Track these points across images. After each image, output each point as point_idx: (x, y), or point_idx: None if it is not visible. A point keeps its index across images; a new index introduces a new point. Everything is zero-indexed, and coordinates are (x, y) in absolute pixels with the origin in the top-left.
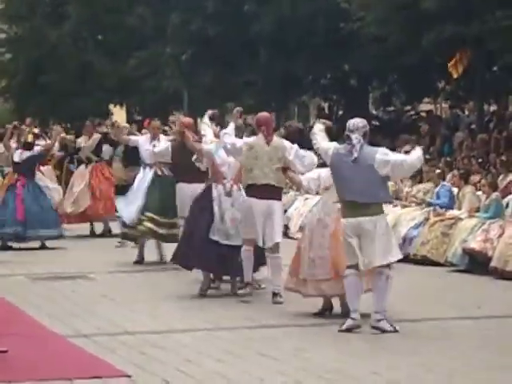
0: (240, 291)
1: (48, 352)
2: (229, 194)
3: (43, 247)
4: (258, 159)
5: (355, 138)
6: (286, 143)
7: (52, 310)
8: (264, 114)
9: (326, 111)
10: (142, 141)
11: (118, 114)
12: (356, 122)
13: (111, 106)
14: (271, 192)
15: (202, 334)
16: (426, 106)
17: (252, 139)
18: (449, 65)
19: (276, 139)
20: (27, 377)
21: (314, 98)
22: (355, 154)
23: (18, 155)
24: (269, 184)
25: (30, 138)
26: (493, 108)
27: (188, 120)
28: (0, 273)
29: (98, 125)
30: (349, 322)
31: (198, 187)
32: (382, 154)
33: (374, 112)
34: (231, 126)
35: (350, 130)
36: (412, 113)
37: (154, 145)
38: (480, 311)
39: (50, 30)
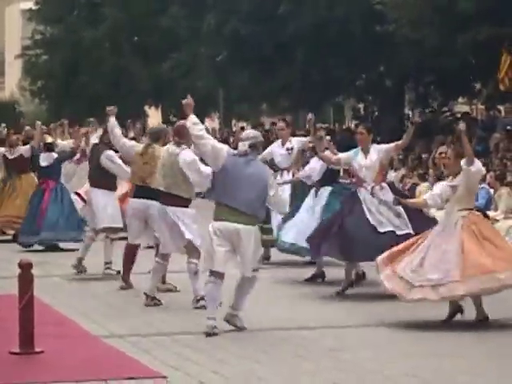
0: None
1: (83, 353)
2: (373, 194)
3: (57, 248)
4: None
5: (242, 145)
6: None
7: (87, 311)
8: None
9: (362, 112)
10: (276, 147)
11: (154, 116)
12: (246, 133)
13: (146, 108)
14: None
15: (237, 334)
16: (461, 107)
17: None
18: (499, 76)
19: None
20: (62, 377)
21: (349, 99)
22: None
23: (45, 158)
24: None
25: (48, 139)
26: None
27: None
28: (36, 274)
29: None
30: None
31: None
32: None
33: (409, 113)
34: None
35: (242, 140)
36: (448, 114)
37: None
38: None
39: (86, 32)
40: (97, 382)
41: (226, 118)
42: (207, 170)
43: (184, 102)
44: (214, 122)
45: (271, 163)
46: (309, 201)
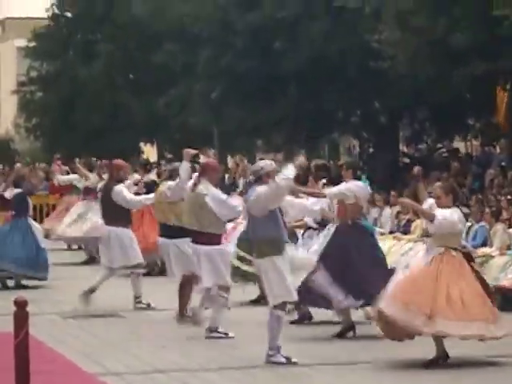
0: None
1: None
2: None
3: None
4: None
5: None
6: None
7: (83, 348)
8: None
9: (357, 149)
10: None
11: (149, 152)
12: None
13: (142, 144)
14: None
15: (234, 372)
16: (456, 143)
17: None
18: (499, 118)
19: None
20: None
21: (344, 135)
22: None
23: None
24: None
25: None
26: None
27: None
28: (31, 311)
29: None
30: None
31: None
32: None
33: (404, 149)
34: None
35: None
36: (443, 150)
37: None
38: None
39: (81, 68)
40: None
41: (221, 154)
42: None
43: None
44: (209, 159)
45: None
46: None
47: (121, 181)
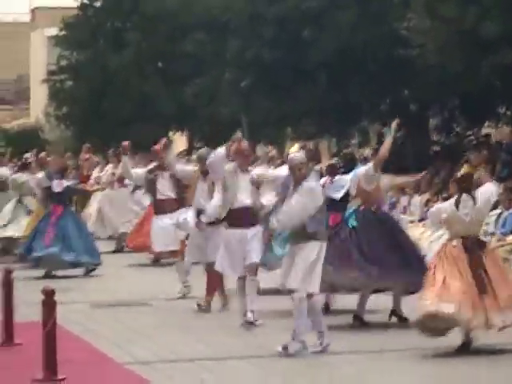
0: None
1: (106, 379)
2: None
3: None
4: None
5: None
6: None
7: (111, 337)
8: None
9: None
10: None
11: (179, 142)
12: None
13: (170, 134)
14: None
15: (259, 360)
16: (486, 130)
17: None
18: None
19: None
20: None
21: (374, 124)
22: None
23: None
24: None
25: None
26: None
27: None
28: (60, 300)
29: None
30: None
31: None
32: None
33: (434, 138)
34: None
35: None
36: (472, 138)
37: None
38: None
39: (112, 56)
40: None
41: (250, 143)
42: None
43: None
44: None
45: None
46: None
47: None
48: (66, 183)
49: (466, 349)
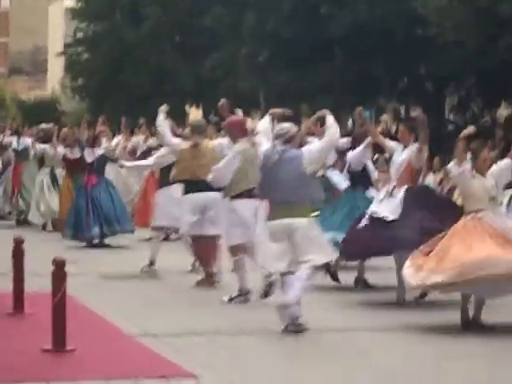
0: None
1: (114, 351)
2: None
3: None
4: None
5: (277, 142)
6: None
7: (121, 309)
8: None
9: (403, 115)
10: None
11: (195, 115)
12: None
13: (187, 107)
14: None
15: (269, 335)
16: (504, 110)
17: None
18: None
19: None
20: (93, 375)
21: (390, 101)
22: (276, 156)
23: (90, 154)
24: None
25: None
26: None
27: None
28: (70, 272)
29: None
30: None
31: None
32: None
33: (450, 117)
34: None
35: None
36: (488, 118)
37: None
38: None
39: (129, 30)
40: (127, 380)
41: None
42: None
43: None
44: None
45: None
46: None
47: None
48: (98, 152)
49: (472, 325)
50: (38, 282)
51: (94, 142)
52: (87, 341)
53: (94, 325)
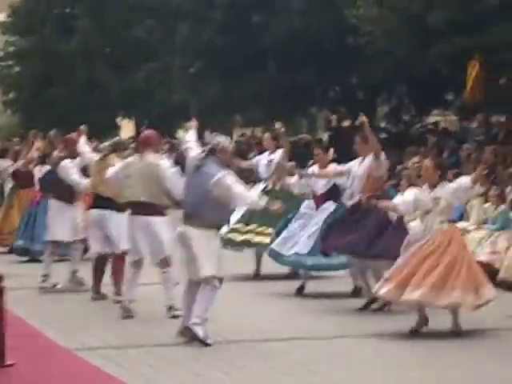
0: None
1: (53, 365)
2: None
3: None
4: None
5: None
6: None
7: (59, 324)
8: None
9: (334, 124)
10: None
11: (127, 127)
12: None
13: (119, 120)
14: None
15: (211, 346)
16: (434, 118)
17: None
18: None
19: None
20: None
21: (322, 110)
22: (195, 163)
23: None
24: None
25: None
26: (502, 120)
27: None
28: (8, 286)
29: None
30: None
31: None
32: (223, 175)
33: (381, 125)
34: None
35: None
36: (419, 125)
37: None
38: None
39: (59, 43)
40: None
41: (199, 129)
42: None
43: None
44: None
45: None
46: (305, 211)
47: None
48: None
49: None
50: None
51: (43, 158)
52: (26, 356)
53: (33, 339)
